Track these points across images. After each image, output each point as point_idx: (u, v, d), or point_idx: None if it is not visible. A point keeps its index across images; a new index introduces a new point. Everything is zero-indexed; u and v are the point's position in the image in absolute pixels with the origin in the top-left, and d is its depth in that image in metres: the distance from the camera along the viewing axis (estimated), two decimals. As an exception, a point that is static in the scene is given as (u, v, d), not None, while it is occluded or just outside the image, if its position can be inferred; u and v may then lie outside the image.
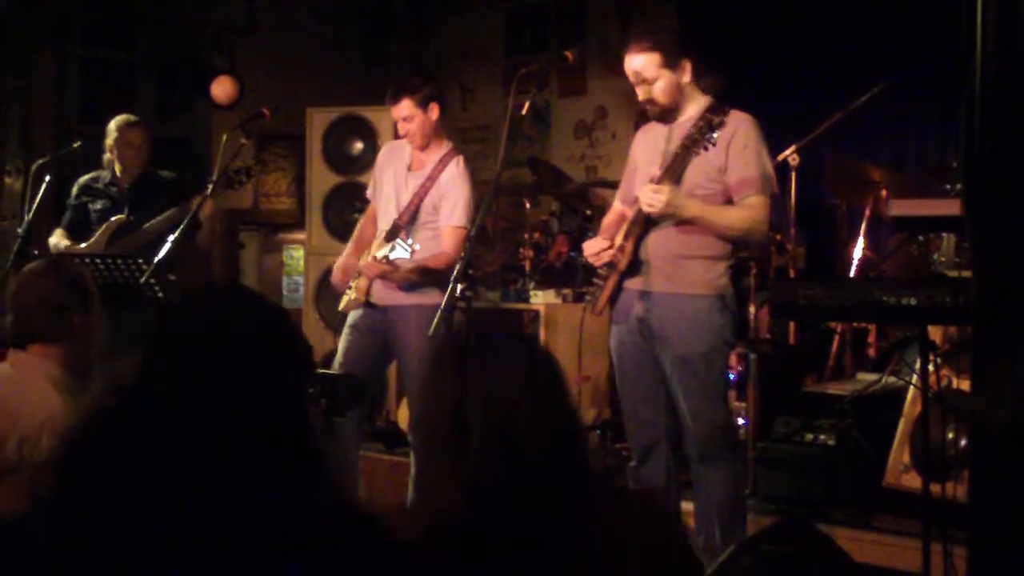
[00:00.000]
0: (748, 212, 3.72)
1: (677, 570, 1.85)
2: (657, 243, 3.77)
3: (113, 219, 5.40)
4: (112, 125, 5.53)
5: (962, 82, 2.27)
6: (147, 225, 5.23)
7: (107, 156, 5.54)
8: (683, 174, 3.72)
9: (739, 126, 3.73)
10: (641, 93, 3.80)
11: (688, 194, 3.70)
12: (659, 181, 3.69)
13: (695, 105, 3.81)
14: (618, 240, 3.82)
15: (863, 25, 6.04)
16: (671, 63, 3.73)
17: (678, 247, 3.75)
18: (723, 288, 3.78)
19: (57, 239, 5.45)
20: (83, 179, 5.59)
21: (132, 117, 5.61)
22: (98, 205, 5.50)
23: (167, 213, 5.23)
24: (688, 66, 3.76)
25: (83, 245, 5.36)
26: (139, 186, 5.49)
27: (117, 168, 5.51)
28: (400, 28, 8.55)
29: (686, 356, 3.71)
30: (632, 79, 3.81)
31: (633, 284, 3.82)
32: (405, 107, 4.58)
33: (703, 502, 3.82)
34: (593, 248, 3.89)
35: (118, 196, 5.48)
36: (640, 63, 3.74)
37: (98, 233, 5.39)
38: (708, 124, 3.63)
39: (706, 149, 3.65)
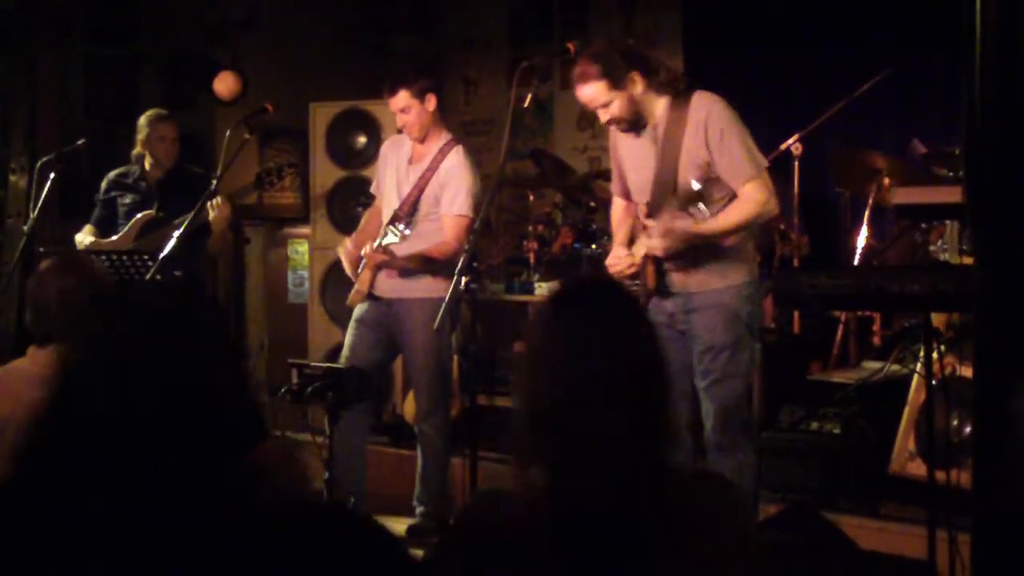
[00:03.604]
0: (747, 203, 3.71)
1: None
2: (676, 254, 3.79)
3: (141, 215, 5.41)
4: (143, 120, 5.53)
5: (963, 68, 2.27)
6: (176, 221, 5.21)
7: (136, 151, 5.54)
8: (675, 185, 3.73)
9: (709, 111, 3.72)
10: (602, 116, 3.83)
11: (687, 195, 3.73)
12: (647, 214, 3.74)
13: (658, 107, 3.81)
14: (637, 259, 3.81)
15: (865, 12, 6.04)
16: (619, 84, 3.73)
17: (696, 254, 3.76)
18: (748, 274, 3.81)
19: (83, 235, 5.46)
20: (112, 174, 5.59)
21: (163, 111, 5.61)
22: (127, 200, 5.51)
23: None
24: (638, 77, 3.76)
25: (113, 238, 5.38)
26: (169, 181, 5.50)
27: (147, 163, 5.52)
28: (402, 21, 8.55)
29: (712, 346, 3.73)
30: (588, 108, 3.85)
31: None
32: (401, 99, 4.60)
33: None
34: (616, 266, 3.88)
35: (147, 191, 5.49)
36: (590, 93, 3.76)
37: (126, 228, 5.40)
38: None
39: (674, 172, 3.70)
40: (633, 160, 3.93)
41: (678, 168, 3.72)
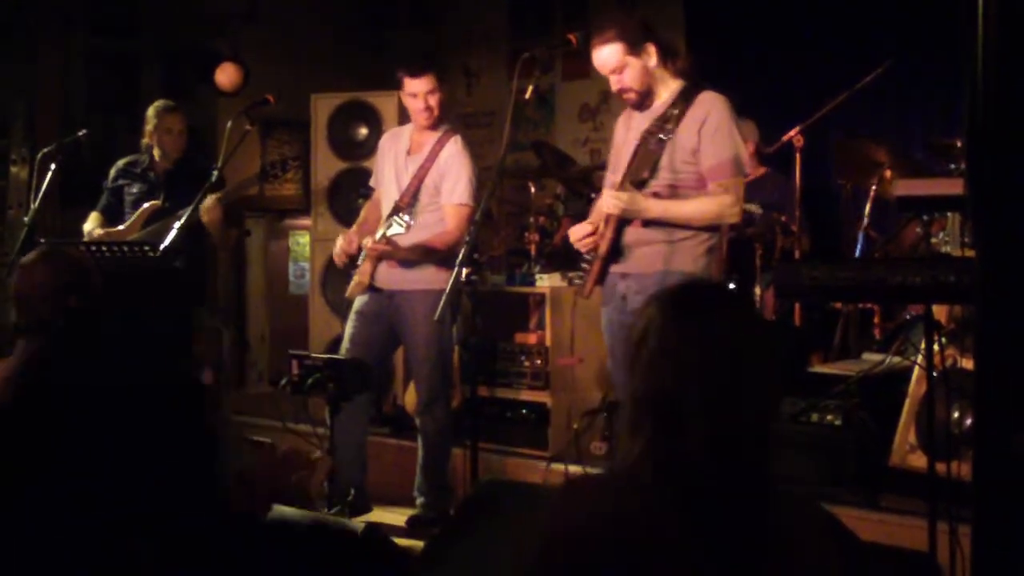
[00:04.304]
0: (715, 201, 3.78)
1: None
2: (636, 231, 3.84)
3: (147, 204, 5.42)
4: (151, 111, 5.55)
5: (965, 60, 2.27)
6: (179, 213, 5.18)
7: (145, 141, 5.57)
8: (657, 163, 3.77)
9: (711, 108, 3.78)
10: (614, 84, 3.89)
11: (662, 183, 3.77)
12: (620, 184, 3.80)
13: (667, 89, 3.88)
14: (601, 226, 3.88)
15: (867, 4, 6.02)
16: (635, 50, 3.80)
17: (655, 234, 3.81)
18: (704, 268, 3.83)
19: (91, 225, 5.47)
20: (121, 162, 5.62)
21: (170, 103, 5.63)
22: (135, 189, 5.53)
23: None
24: (653, 50, 3.83)
25: (120, 227, 5.39)
26: (176, 172, 5.52)
27: (155, 153, 5.53)
28: (403, 13, 8.54)
29: None
30: (602, 72, 3.89)
31: (616, 267, 3.91)
32: (432, 80, 4.65)
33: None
34: (578, 233, 3.97)
35: (155, 181, 5.51)
36: (605, 54, 3.83)
37: (133, 218, 5.42)
38: (663, 120, 3.75)
39: (660, 144, 3.74)
40: (626, 135, 3.98)
41: (663, 148, 3.77)
